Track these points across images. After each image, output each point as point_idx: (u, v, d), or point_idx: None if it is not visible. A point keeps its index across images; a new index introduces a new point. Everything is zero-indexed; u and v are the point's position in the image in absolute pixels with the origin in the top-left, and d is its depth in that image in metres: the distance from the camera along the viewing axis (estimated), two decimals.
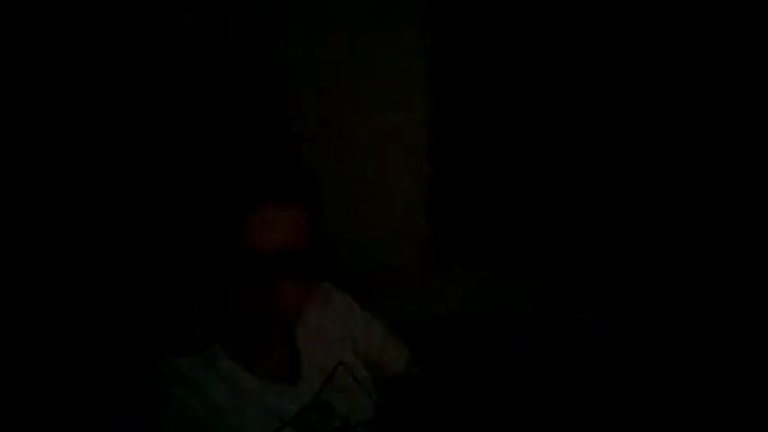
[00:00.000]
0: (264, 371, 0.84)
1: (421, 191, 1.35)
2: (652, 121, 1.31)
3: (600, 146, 1.33)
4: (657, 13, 1.26)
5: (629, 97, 1.30)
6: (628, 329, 1.29)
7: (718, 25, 1.24)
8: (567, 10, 1.28)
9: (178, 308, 0.92)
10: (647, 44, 1.27)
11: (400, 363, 1.07)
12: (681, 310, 1.30)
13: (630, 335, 1.28)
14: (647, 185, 1.33)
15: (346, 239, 1.32)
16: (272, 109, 1.27)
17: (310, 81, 1.27)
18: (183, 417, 0.75)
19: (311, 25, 1.25)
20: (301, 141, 1.28)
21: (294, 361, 0.89)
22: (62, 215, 1.16)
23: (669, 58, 1.27)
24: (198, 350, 0.82)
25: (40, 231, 1.15)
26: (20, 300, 1.11)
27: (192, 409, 0.76)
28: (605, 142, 1.33)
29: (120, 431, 0.77)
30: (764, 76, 1.24)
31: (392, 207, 1.35)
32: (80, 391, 1.05)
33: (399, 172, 1.33)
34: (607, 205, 1.35)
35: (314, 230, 0.81)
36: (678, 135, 1.30)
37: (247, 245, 0.75)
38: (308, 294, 0.84)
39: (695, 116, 1.28)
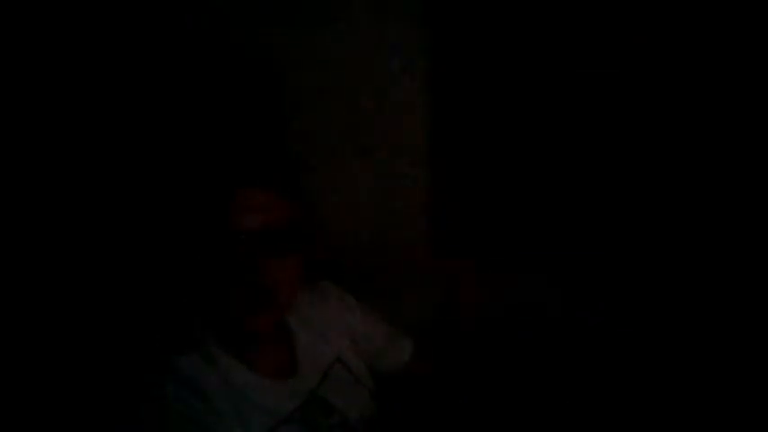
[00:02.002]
0: (263, 367, 0.84)
1: (421, 190, 1.35)
2: (652, 121, 1.31)
3: (600, 146, 1.33)
4: (657, 13, 1.26)
5: (629, 97, 1.30)
6: (628, 329, 1.29)
7: (718, 25, 1.24)
8: (567, 10, 1.28)
9: (177, 307, 0.92)
10: (647, 44, 1.27)
11: (400, 362, 1.07)
12: (681, 310, 1.29)
13: (630, 335, 1.28)
14: (647, 186, 1.33)
15: (346, 239, 1.32)
16: (271, 109, 1.27)
17: (310, 81, 1.27)
18: (183, 417, 0.75)
19: (311, 25, 1.25)
20: (301, 141, 1.28)
21: (292, 357, 0.89)
22: (60, 215, 1.15)
23: (669, 58, 1.27)
24: (197, 349, 0.82)
25: (37, 231, 1.14)
26: (18, 301, 1.11)
27: (191, 409, 0.76)
28: (606, 142, 1.33)
29: (119, 431, 0.77)
30: (764, 76, 1.24)
31: (392, 207, 1.34)
32: (79, 392, 1.05)
33: (399, 172, 1.33)
34: (607, 205, 1.35)
35: (294, 215, 0.83)
36: (678, 135, 1.30)
37: (231, 228, 0.78)
38: (297, 279, 0.84)
39: (695, 116, 1.28)
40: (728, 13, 1.23)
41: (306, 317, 0.94)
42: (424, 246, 1.37)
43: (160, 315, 1.00)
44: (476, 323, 1.34)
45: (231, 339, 0.83)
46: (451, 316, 1.34)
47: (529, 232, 1.38)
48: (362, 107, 1.29)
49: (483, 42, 1.31)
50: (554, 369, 1.27)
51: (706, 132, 1.29)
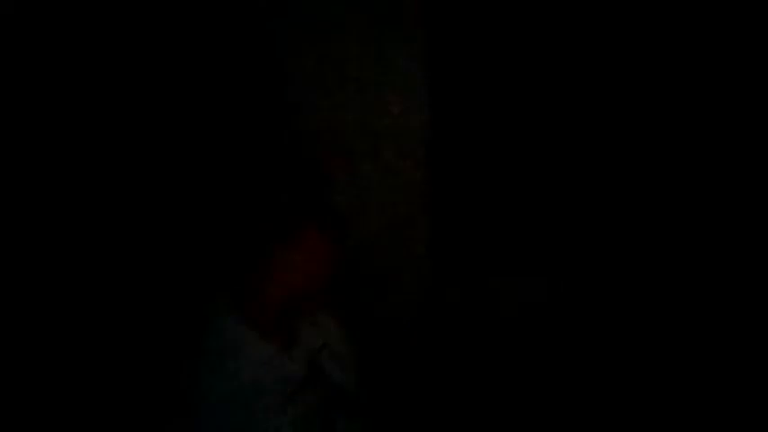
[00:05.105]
0: (276, 339, 0.90)
1: (421, 192, 1.34)
2: (652, 122, 1.30)
3: (599, 149, 1.34)
4: (657, 13, 1.26)
5: (628, 99, 1.30)
6: (626, 329, 1.28)
7: (718, 25, 1.24)
8: (569, 14, 1.29)
9: (203, 284, 0.97)
10: (648, 44, 1.27)
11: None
12: (680, 310, 1.28)
13: (630, 335, 1.28)
14: (647, 186, 1.32)
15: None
16: (272, 109, 1.28)
17: (310, 82, 1.28)
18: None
19: (312, 26, 1.25)
20: (301, 142, 1.29)
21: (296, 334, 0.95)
22: (88, 210, 1.20)
23: (669, 58, 1.27)
24: (221, 326, 0.88)
25: (62, 228, 1.18)
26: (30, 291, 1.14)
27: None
28: (605, 145, 1.33)
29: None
30: (764, 76, 1.24)
31: (392, 208, 1.34)
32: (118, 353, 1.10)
33: (399, 173, 1.33)
34: (607, 207, 1.34)
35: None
36: (678, 136, 1.29)
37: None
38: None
39: (695, 117, 1.28)
40: (728, 13, 1.23)
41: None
42: (424, 248, 1.36)
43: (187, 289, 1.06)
44: (476, 323, 1.33)
45: (251, 314, 0.89)
46: (449, 315, 1.34)
47: (529, 234, 1.38)
48: (363, 108, 1.30)
49: (483, 45, 1.31)
50: (554, 369, 1.28)
51: (705, 133, 1.28)
